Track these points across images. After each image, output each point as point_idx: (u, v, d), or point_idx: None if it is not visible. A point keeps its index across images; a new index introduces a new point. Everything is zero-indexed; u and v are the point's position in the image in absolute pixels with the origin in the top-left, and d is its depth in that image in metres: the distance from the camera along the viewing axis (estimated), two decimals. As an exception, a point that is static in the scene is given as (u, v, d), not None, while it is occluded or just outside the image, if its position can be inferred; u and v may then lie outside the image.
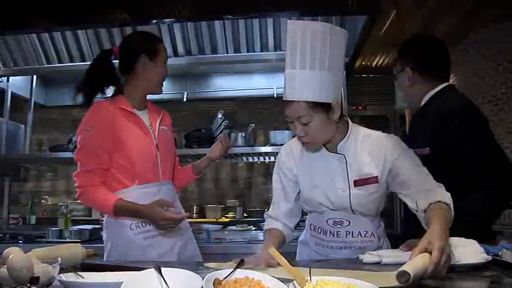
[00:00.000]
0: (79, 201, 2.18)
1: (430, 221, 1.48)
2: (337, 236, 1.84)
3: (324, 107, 1.67)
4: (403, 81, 2.20)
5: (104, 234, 2.19)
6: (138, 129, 2.14)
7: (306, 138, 1.73)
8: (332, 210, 1.84)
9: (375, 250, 1.76)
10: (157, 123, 2.23)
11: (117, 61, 2.28)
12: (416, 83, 2.16)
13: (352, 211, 1.81)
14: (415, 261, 1.22)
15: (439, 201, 1.57)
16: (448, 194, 1.60)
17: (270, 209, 2.01)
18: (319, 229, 1.90)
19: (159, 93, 2.26)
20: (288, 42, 1.68)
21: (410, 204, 1.69)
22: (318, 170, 1.85)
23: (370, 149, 1.79)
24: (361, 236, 1.83)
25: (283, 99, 1.71)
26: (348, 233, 1.83)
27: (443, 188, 1.65)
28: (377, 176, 1.77)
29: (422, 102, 2.14)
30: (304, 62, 1.64)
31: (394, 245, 1.83)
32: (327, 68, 1.65)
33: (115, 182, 2.10)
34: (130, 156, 2.08)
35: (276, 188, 1.99)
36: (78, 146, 2.10)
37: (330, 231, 1.86)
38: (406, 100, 2.32)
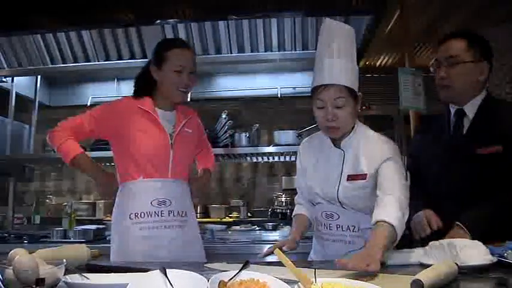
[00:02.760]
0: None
1: (368, 239, 1.62)
2: (329, 229, 1.93)
3: (354, 96, 1.83)
4: (474, 72, 2.01)
5: (112, 219, 2.31)
6: (152, 128, 2.21)
7: (335, 123, 1.83)
8: (325, 202, 1.94)
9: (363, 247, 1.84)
10: (182, 124, 2.29)
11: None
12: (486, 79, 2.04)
13: (341, 204, 1.88)
14: (429, 271, 1.23)
15: (384, 221, 1.61)
16: (399, 214, 1.64)
17: (297, 195, 2.17)
18: (317, 221, 2.01)
19: (180, 102, 2.32)
20: (324, 35, 1.87)
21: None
22: (320, 161, 1.98)
23: (367, 149, 1.88)
24: (350, 231, 1.90)
25: (317, 84, 1.83)
26: (338, 226, 1.91)
27: (403, 204, 1.69)
28: (366, 174, 1.84)
29: (475, 103, 2.04)
30: (340, 53, 1.82)
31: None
32: (355, 62, 1.86)
33: (124, 173, 2.25)
34: (137, 152, 2.18)
35: (297, 174, 2.12)
36: (86, 111, 2.29)
37: (324, 224, 1.96)
38: (452, 93, 2.06)
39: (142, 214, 2.17)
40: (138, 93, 2.30)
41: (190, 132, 2.35)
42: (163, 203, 2.18)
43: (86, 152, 2.31)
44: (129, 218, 2.17)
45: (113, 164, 4.54)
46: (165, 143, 2.21)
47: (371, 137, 1.93)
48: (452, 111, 2.11)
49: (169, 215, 2.19)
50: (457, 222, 1.80)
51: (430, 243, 1.63)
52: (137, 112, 2.22)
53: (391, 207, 1.66)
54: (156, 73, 2.25)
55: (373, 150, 1.86)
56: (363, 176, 1.85)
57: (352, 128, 1.92)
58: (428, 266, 1.37)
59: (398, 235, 1.61)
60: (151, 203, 2.17)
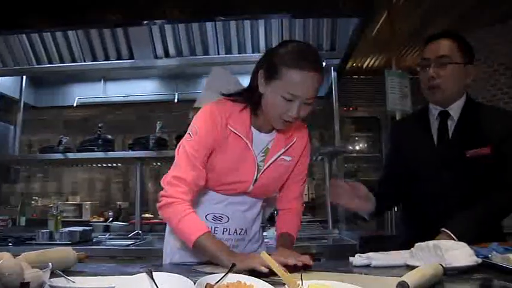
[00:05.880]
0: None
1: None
2: None
3: None
4: (463, 74, 2.02)
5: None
6: (239, 156, 1.79)
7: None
8: None
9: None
10: (281, 151, 1.84)
11: None
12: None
13: None
14: (415, 272, 1.24)
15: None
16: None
17: None
18: None
19: (280, 128, 1.78)
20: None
21: None
22: None
23: None
24: None
25: None
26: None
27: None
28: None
29: (459, 105, 2.05)
30: None
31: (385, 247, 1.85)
32: None
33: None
34: (214, 180, 1.81)
35: None
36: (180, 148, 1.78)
37: None
38: (450, 94, 2.03)
39: (221, 217, 1.88)
40: (246, 101, 1.80)
41: (288, 160, 1.88)
42: (219, 219, 1.87)
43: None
44: (206, 219, 1.86)
45: (99, 165, 4.50)
46: (249, 178, 1.81)
47: None
48: (436, 112, 2.08)
49: (223, 233, 1.87)
50: (443, 229, 1.79)
51: (416, 244, 1.64)
52: (228, 136, 1.76)
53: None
54: (261, 84, 1.70)
55: None
56: None
57: None
58: (413, 267, 1.37)
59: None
60: (206, 216, 1.86)
